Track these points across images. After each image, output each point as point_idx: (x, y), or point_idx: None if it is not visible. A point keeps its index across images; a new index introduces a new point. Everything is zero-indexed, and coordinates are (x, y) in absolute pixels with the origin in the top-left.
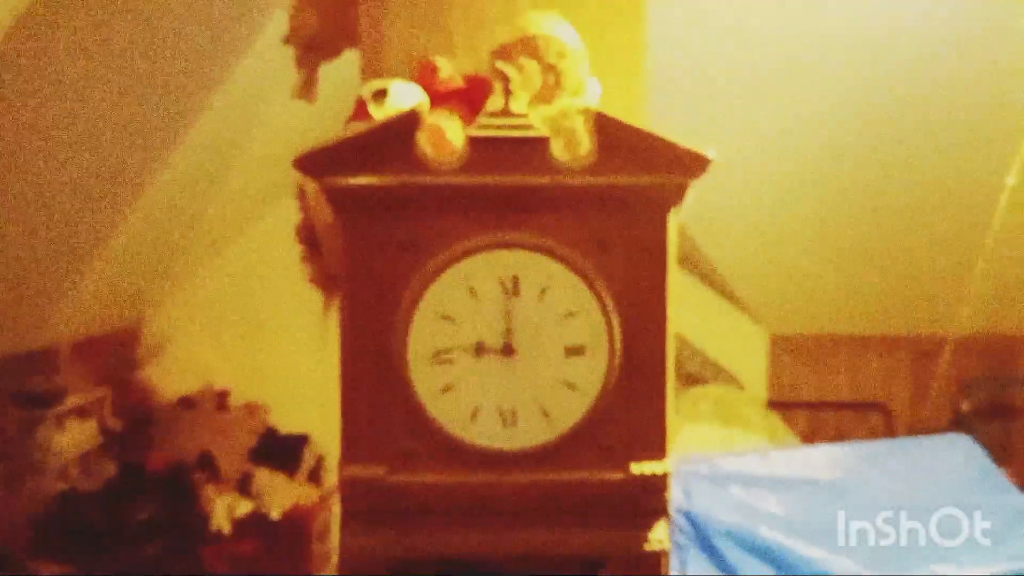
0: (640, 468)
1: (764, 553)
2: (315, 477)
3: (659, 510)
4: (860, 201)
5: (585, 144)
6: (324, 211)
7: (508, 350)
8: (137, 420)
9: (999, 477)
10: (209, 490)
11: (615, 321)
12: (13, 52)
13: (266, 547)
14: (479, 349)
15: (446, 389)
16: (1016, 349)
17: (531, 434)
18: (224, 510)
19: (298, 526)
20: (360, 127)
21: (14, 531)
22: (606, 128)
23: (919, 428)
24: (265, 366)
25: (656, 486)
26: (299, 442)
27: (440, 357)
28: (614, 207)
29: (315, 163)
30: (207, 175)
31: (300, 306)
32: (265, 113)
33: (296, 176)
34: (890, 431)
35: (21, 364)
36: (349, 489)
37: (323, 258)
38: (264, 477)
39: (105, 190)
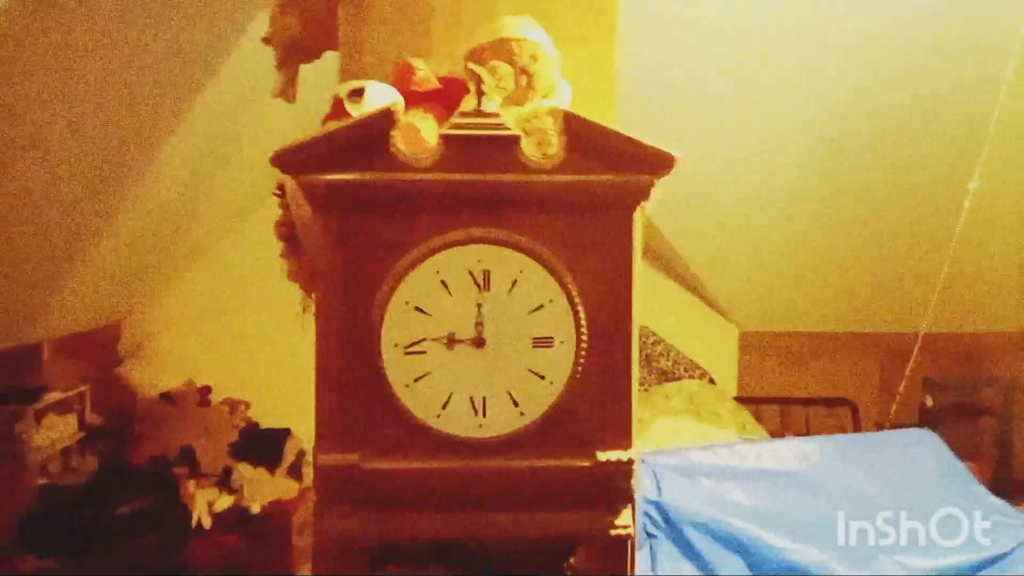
0: (606, 456)
1: (733, 543)
2: (296, 472)
3: (625, 496)
4: (830, 203)
5: (555, 144)
6: (303, 208)
7: (479, 341)
8: (119, 416)
9: (962, 471)
10: (190, 485)
11: (582, 314)
12: None
13: (248, 540)
14: (451, 340)
15: (419, 379)
16: (980, 349)
17: (501, 422)
18: (205, 504)
19: (279, 520)
20: (337, 125)
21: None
22: (574, 127)
23: (886, 424)
24: (247, 362)
25: (622, 473)
26: (280, 437)
27: (413, 348)
28: (582, 204)
29: (292, 160)
30: (194, 177)
31: (282, 303)
32: (252, 115)
33: (277, 174)
34: (857, 426)
35: (2, 361)
36: (324, 476)
37: (302, 255)
38: (246, 471)
39: (91, 192)
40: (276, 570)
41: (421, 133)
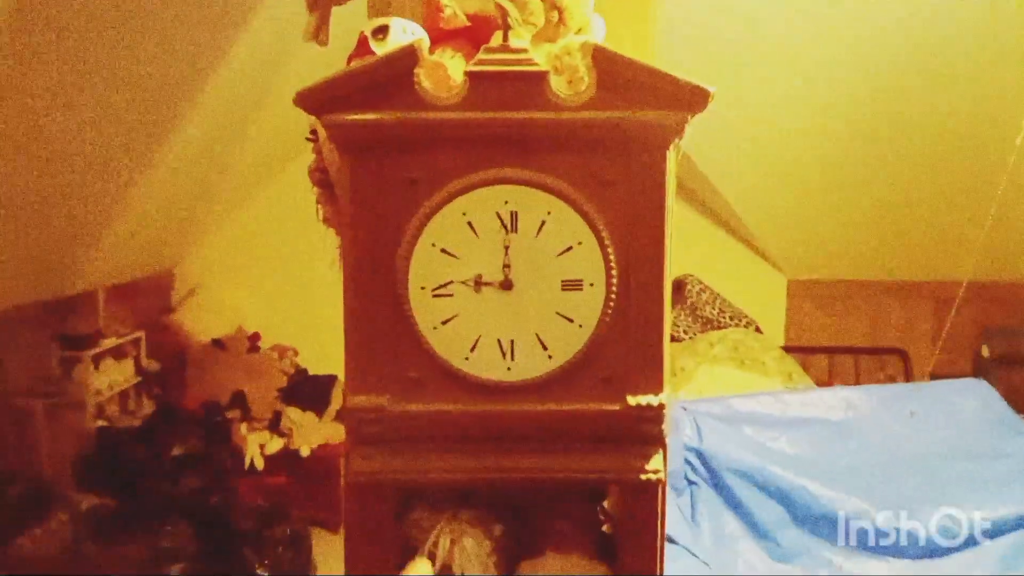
0: (637, 400)
1: (774, 490)
2: (343, 416)
3: (655, 441)
4: (881, 149)
5: (585, 80)
6: (335, 152)
7: (507, 284)
8: (172, 361)
9: (1016, 421)
10: (242, 428)
11: (612, 256)
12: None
13: (296, 481)
14: (478, 283)
15: (446, 322)
16: None
17: (529, 366)
18: (257, 447)
19: (326, 463)
20: (361, 64)
21: (59, 465)
22: (605, 62)
23: (938, 374)
24: (294, 309)
25: (652, 417)
26: (327, 383)
27: (440, 291)
28: (613, 143)
29: (315, 100)
30: (236, 122)
31: (326, 250)
32: (290, 60)
33: (311, 118)
34: (908, 377)
35: (61, 308)
36: (353, 417)
37: (337, 199)
38: (294, 416)
39: (136, 140)
40: (326, 511)
41: (447, 71)
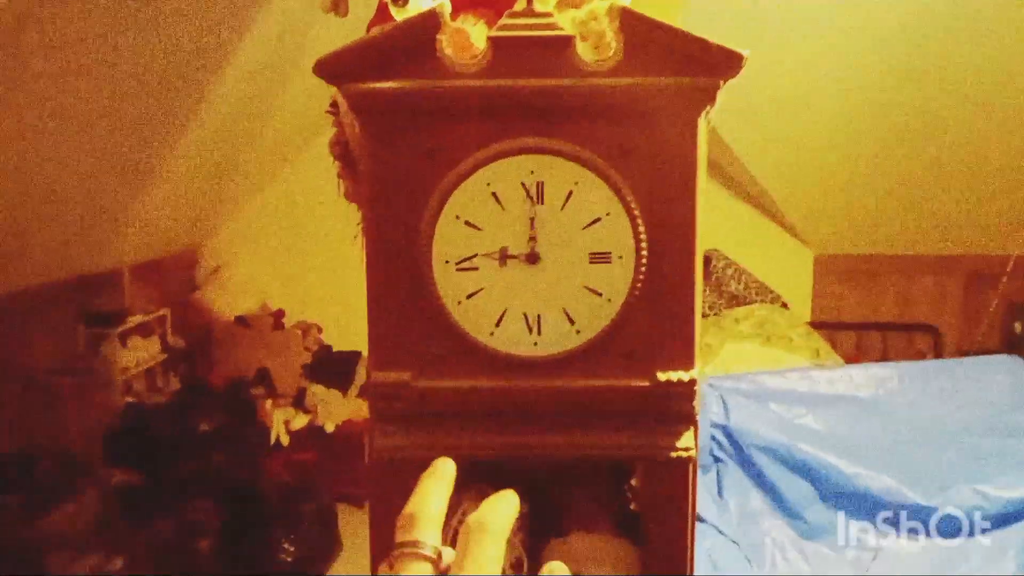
0: (667, 376)
1: (801, 467)
2: (367, 392)
3: (686, 418)
4: (909, 121)
5: (612, 45)
6: (356, 124)
7: (533, 257)
8: (198, 338)
9: None
10: (267, 404)
11: (641, 228)
12: None
13: (321, 457)
14: (503, 256)
15: (471, 296)
16: None
17: (556, 341)
18: (282, 423)
19: (351, 439)
20: (381, 30)
21: (87, 441)
22: (633, 26)
23: (970, 351)
24: (318, 286)
25: (683, 394)
26: (351, 359)
27: (464, 264)
28: (642, 110)
29: (333, 68)
30: (261, 96)
31: (350, 226)
32: (314, 32)
33: (332, 91)
34: (939, 353)
35: (87, 286)
36: (376, 393)
37: (358, 173)
38: (319, 392)
39: (161, 116)
40: (351, 487)
41: (469, 37)
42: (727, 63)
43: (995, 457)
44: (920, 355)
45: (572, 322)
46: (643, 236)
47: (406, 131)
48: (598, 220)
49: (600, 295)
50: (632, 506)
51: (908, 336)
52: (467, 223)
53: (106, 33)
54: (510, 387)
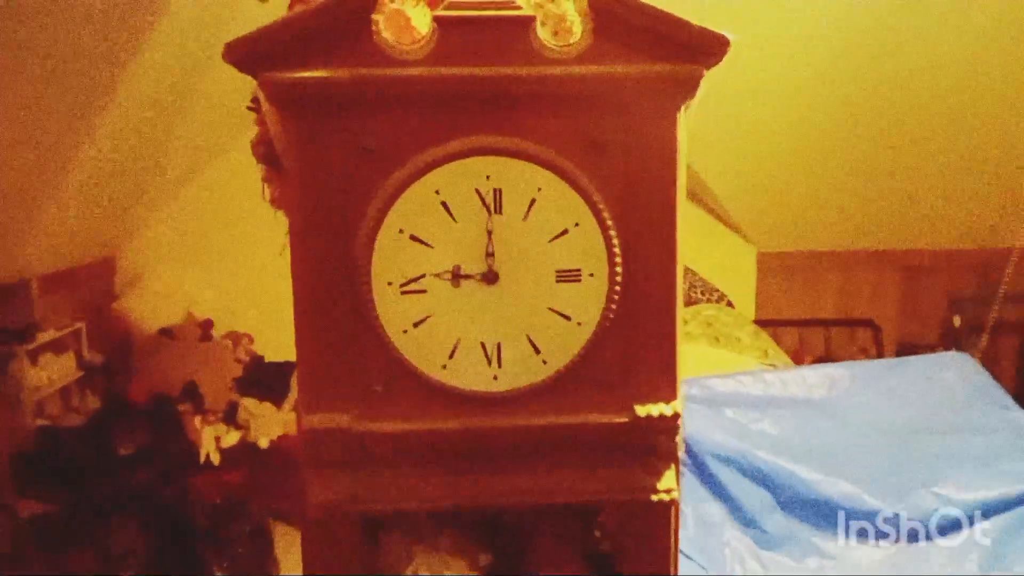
0: (646, 410)
1: (760, 476)
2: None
3: (667, 455)
4: (849, 120)
5: (576, 31)
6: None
7: (491, 276)
8: (118, 353)
9: (1000, 394)
10: (196, 421)
11: (616, 240)
12: None
13: (255, 476)
14: (456, 276)
15: (419, 323)
16: (1005, 265)
17: (519, 373)
18: (212, 440)
19: (286, 454)
20: (305, 9)
21: None
22: (602, 5)
23: (906, 343)
24: (248, 293)
25: (665, 429)
26: (285, 370)
27: (410, 286)
28: (614, 103)
29: (248, 53)
30: (179, 92)
31: (281, 230)
32: (236, 21)
33: (253, 85)
34: (879, 348)
35: None
36: (310, 440)
37: (285, 176)
38: (251, 406)
39: (68, 113)
40: (287, 504)
41: (410, 19)
42: (710, 48)
43: (950, 457)
44: (861, 350)
45: (537, 351)
46: (618, 249)
47: (337, 129)
48: (565, 232)
49: (569, 319)
50: (603, 546)
51: (849, 331)
52: (412, 237)
53: (8, 33)
54: (466, 428)
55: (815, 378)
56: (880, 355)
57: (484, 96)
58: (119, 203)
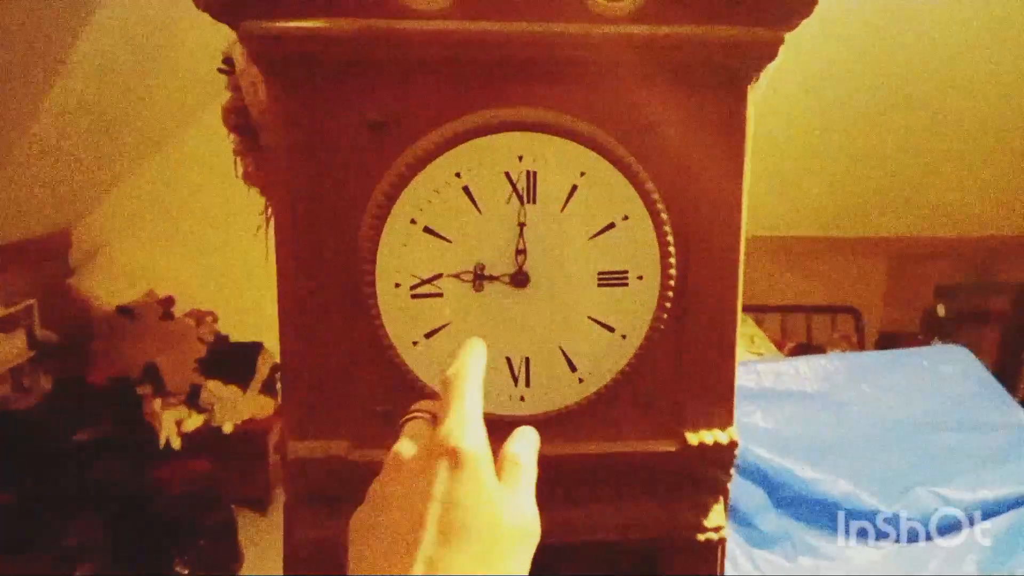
0: (699, 437)
1: (755, 474)
2: (270, 388)
3: (716, 489)
4: (837, 101)
5: None
6: (260, 86)
7: (520, 278)
8: (73, 332)
9: (999, 390)
10: (156, 404)
11: (670, 237)
12: None
13: (220, 462)
14: (479, 277)
15: (432, 333)
16: (990, 253)
17: (551, 393)
18: (172, 425)
19: (252, 439)
20: None
21: None
22: None
23: (889, 333)
24: (212, 270)
25: (720, 460)
26: (252, 351)
27: (423, 289)
28: (672, 73)
29: None
30: (142, 51)
31: (249, 203)
32: None
33: (224, 43)
34: (861, 334)
35: None
36: (298, 471)
37: (261, 149)
38: (215, 389)
39: (21, 72)
40: (253, 492)
41: None
42: (793, 6)
43: (949, 455)
44: (844, 337)
45: (573, 367)
46: (672, 248)
47: (336, 95)
48: (611, 226)
49: (612, 330)
50: None
51: (831, 318)
52: (427, 230)
53: None
54: None
55: (809, 370)
56: (862, 343)
57: (518, 59)
58: (76, 173)
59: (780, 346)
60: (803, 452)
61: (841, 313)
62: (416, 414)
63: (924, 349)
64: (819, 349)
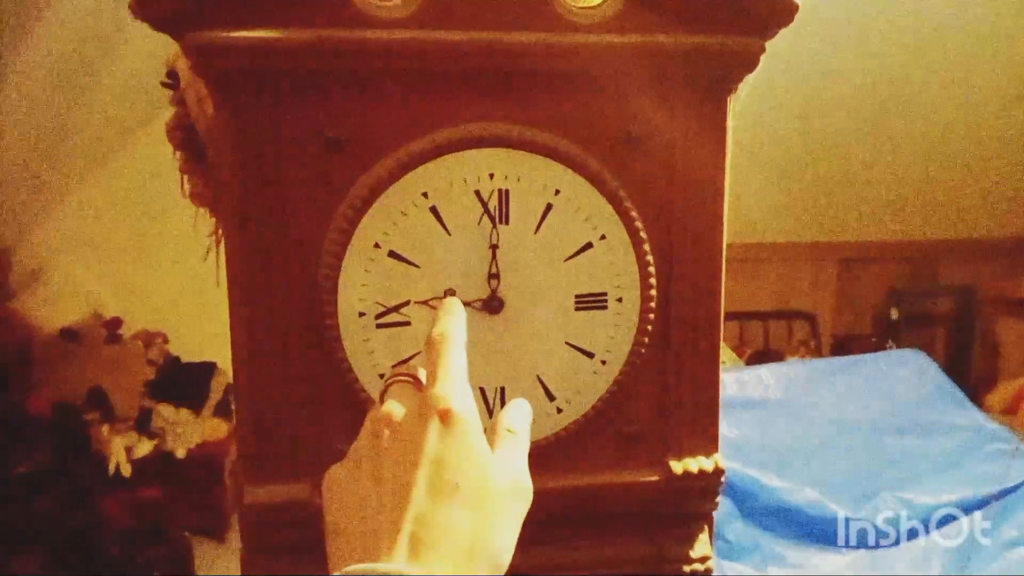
0: (683, 466)
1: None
2: (224, 410)
3: (701, 518)
4: (785, 112)
5: None
6: (206, 101)
7: (493, 303)
8: (13, 357)
9: (957, 393)
10: (104, 430)
11: (650, 257)
12: None
13: (173, 490)
14: None
15: (399, 364)
16: (936, 256)
17: None
18: (122, 451)
19: (207, 464)
20: None
21: None
22: None
23: (841, 337)
24: (161, 288)
25: (705, 490)
26: (204, 371)
27: (389, 317)
28: (650, 83)
29: (170, 6)
30: (83, 64)
31: (197, 220)
32: None
33: (168, 56)
34: (817, 339)
35: None
36: (254, 518)
37: (209, 167)
38: (167, 413)
39: None
40: (209, 519)
41: None
42: (773, 15)
43: (913, 459)
44: (801, 342)
45: (550, 396)
46: (652, 268)
47: (291, 111)
48: (589, 247)
49: (591, 355)
50: None
51: (787, 324)
52: (392, 254)
53: None
54: None
55: (771, 377)
56: (819, 348)
57: (486, 70)
58: (14, 190)
59: (739, 353)
60: (768, 460)
61: (797, 319)
62: (398, 378)
63: (880, 354)
64: (778, 355)
